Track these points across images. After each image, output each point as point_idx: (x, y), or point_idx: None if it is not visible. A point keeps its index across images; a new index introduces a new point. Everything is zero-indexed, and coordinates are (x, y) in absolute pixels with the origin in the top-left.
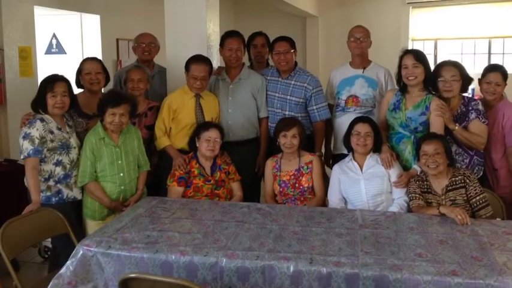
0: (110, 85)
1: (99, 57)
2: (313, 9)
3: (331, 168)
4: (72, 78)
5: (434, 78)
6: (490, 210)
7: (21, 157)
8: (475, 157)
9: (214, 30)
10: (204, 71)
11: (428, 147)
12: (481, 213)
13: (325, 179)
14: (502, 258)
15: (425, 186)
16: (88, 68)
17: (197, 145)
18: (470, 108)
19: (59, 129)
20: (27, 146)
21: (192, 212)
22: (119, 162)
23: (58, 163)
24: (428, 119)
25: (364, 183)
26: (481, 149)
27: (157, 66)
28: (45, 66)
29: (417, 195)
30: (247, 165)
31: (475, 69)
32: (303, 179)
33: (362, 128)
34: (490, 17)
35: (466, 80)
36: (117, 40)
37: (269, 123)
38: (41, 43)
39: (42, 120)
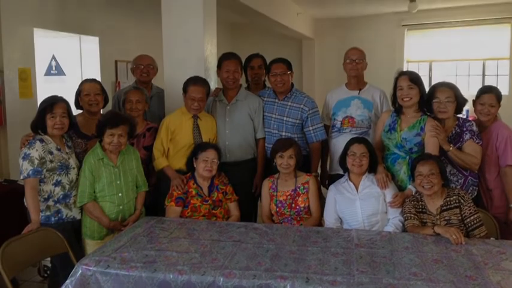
0: (109, 106)
1: (98, 78)
2: (309, 31)
3: (327, 189)
4: (71, 100)
5: (429, 99)
6: (484, 230)
7: (21, 177)
8: (469, 177)
9: (211, 52)
10: (201, 92)
11: (423, 168)
12: (475, 232)
13: (321, 199)
14: (496, 278)
15: (420, 206)
16: (87, 89)
17: (195, 166)
18: (464, 129)
19: (58, 149)
20: (26, 166)
21: (190, 232)
22: (118, 182)
23: (57, 183)
24: (423, 139)
25: (359, 203)
26: (475, 169)
27: (156, 87)
28: (45, 88)
29: (412, 215)
30: (245, 186)
31: (469, 90)
32: (300, 199)
33: (358, 149)
34: (484, 39)
35: (461, 101)
36: (116, 62)
37: (266, 144)
38: (41, 65)
39: (41, 141)
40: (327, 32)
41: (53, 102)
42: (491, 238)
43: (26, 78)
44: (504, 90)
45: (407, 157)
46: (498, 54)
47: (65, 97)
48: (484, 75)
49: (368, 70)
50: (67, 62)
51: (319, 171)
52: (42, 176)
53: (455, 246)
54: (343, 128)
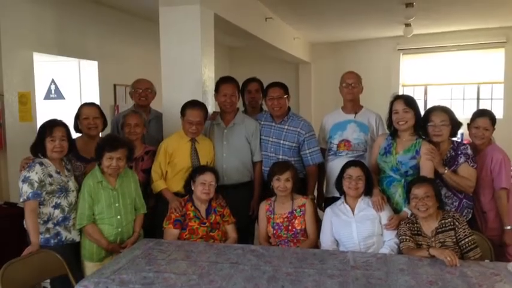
0: (108, 130)
1: (97, 102)
2: (306, 55)
3: (324, 211)
4: (70, 123)
5: (424, 123)
6: (479, 252)
7: (21, 200)
8: (464, 200)
9: (209, 76)
10: (199, 116)
11: (418, 191)
12: (470, 254)
13: (318, 222)
14: None
15: (416, 229)
16: (86, 113)
17: (193, 188)
18: (459, 152)
19: (58, 172)
20: (26, 189)
21: (188, 254)
22: (116, 205)
23: (57, 206)
24: (418, 163)
25: (355, 226)
26: (470, 192)
27: (154, 111)
28: (44, 111)
29: (407, 237)
30: (242, 208)
31: (464, 114)
32: (296, 221)
33: (354, 172)
34: (479, 63)
35: (455, 124)
36: (115, 86)
37: (263, 167)
38: (40, 89)
39: (41, 164)
40: (324, 56)
41: (53, 126)
42: (486, 260)
43: (26, 102)
44: (498, 114)
45: (403, 180)
46: (492, 78)
47: (64, 121)
48: (478, 99)
49: (364, 94)
50: (66, 86)
51: (315, 193)
52: (42, 199)
53: (450, 268)
54: (339, 151)
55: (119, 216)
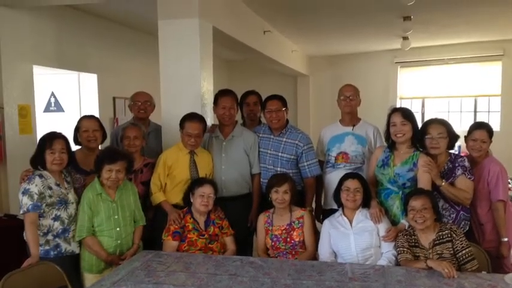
0: (107, 142)
1: (96, 115)
2: (304, 68)
3: (322, 223)
4: (70, 136)
5: (421, 135)
6: (476, 263)
7: (21, 212)
8: (461, 212)
9: (208, 89)
10: (198, 128)
11: (415, 203)
12: (467, 266)
13: (316, 234)
14: None
15: (413, 241)
16: (85, 125)
17: (191, 200)
18: (456, 164)
19: (57, 185)
20: (26, 201)
21: (187, 266)
22: (116, 217)
23: (56, 218)
24: (415, 175)
25: (353, 238)
26: (467, 204)
27: (153, 123)
28: (44, 124)
29: (405, 249)
30: (240, 220)
31: (461, 126)
32: (294, 233)
33: (351, 184)
34: (476, 76)
35: (453, 137)
36: (114, 98)
37: (261, 179)
38: (40, 101)
39: (41, 176)
40: (322, 68)
41: (52, 138)
42: (483, 272)
43: (26, 114)
44: (495, 127)
45: (400, 192)
46: (490, 91)
47: (63, 133)
48: (475, 111)
49: (362, 106)
50: (66, 99)
51: (313, 205)
52: (42, 211)
53: (447, 280)
54: (337, 163)
55: (118, 228)
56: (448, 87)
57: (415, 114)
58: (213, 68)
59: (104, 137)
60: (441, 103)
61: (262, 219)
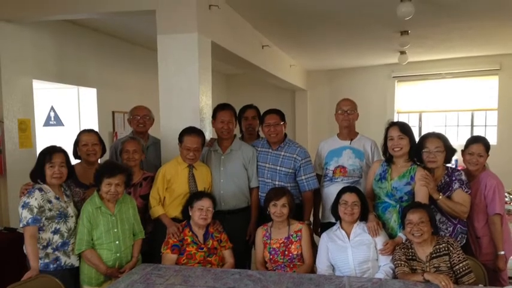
0: (106, 156)
1: (96, 129)
2: (302, 82)
3: (320, 236)
4: (69, 150)
5: (419, 149)
6: (473, 276)
7: (21, 225)
8: (458, 225)
9: (206, 103)
10: (196, 142)
11: (413, 216)
12: (464, 279)
13: (314, 247)
14: None
15: (410, 254)
16: (85, 139)
17: (190, 214)
18: (453, 178)
19: (57, 198)
20: (26, 214)
21: (186, 279)
22: (115, 230)
23: (56, 231)
24: (413, 188)
25: (351, 251)
26: (464, 217)
27: (152, 137)
28: (44, 138)
29: (402, 262)
30: (239, 233)
31: (458, 140)
32: (292, 246)
33: (349, 198)
34: (473, 90)
35: (450, 151)
36: (113, 113)
37: (259, 193)
38: (40, 115)
39: (40, 190)
40: (319, 83)
41: (52, 152)
42: (480, 285)
43: (26, 128)
44: (492, 141)
45: (398, 206)
46: (486, 105)
47: (63, 147)
48: (472, 125)
49: (359, 120)
50: (65, 113)
51: (311, 219)
52: (41, 224)
53: None
54: (335, 177)
55: (117, 242)
56: (445, 101)
57: (412, 128)
58: (212, 82)
59: (103, 151)
60: (438, 117)
61: (260, 232)
